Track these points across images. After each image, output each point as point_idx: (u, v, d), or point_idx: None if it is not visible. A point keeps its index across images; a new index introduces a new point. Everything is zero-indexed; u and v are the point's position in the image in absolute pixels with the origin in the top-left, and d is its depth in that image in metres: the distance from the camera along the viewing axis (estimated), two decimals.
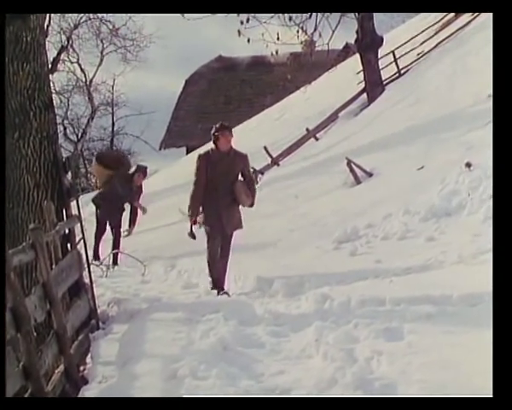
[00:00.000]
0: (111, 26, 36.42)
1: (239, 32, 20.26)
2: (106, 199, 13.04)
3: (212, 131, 8.82)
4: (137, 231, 14.73)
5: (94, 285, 7.75)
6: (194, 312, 6.85)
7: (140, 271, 11.40)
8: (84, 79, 39.87)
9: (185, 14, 20.28)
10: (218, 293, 8.31)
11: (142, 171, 13.60)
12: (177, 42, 62.31)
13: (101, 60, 39.15)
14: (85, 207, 13.05)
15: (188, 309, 6.98)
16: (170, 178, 26.78)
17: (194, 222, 8.82)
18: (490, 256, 7.27)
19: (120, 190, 12.93)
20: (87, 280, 7.58)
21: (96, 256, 12.50)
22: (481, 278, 6.21)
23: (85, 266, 7.53)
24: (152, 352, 5.61)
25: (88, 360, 6.23)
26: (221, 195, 8.62)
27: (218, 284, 8.52)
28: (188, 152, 38.66)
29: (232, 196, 8.69)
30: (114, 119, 42.86)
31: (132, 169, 13.82)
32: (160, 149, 41.58)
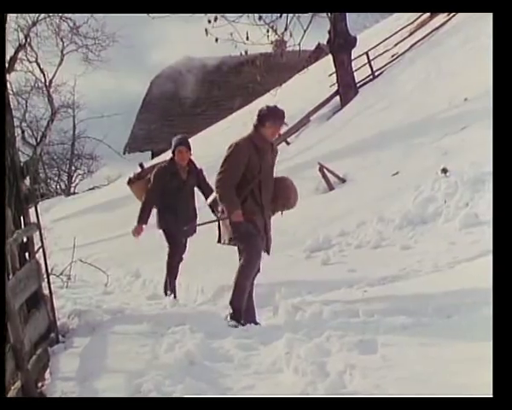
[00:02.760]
0: (71, 24, 36.20)
1: (206, 31, 20.27)
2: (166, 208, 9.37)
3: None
4: (100, 238, 14.64)
5: (54, 296, 7.67)
6: (160, 324, 6.81)
7: (102, 281, 11.33)
8: (43, 80, 39.66)
9: (149, 13, 20.23)
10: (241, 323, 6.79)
11: (180, 143, 9.27)
12: (142, 41, 62.17)
13: (62, 59, 38.94)
14: (45, 215, 12.95)
15: (152, 321, 6.94)
16: None
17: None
18: (467, 265, 7.33)
19: (175, 183, 9.24)
20: (46, 291, 7.50)
21: (172, 288, 9.28)
22: (457, 288, 6.25)
23: (44, 276, 7.45)
24: (114, 367, 5.57)
25: (47, 375, 6.16)
26: None
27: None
28: (153, 156, 38.49)
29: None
30: (75, 121, 42.66)
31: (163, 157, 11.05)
32: (123, 153, 41.41)
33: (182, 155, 9.12)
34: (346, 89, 22.73)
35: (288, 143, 22.06)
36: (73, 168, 44.83)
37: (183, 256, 9.39)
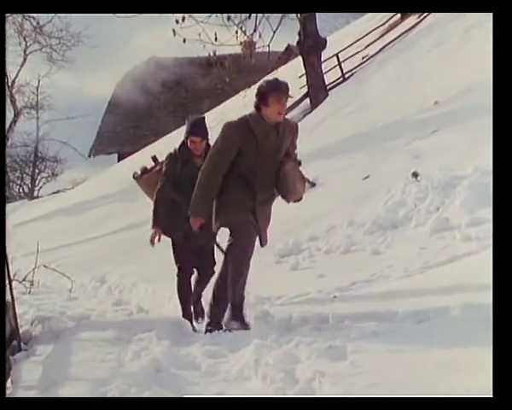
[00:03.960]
0: (35, 23, 35.99)
1: (174, 31, 20.24)
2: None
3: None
4: (65, 243, 14.56)
5: (16, 303, 7.61)
6: (125, 331, 6.78)
7: (67, 286, 11.26)
8: (5, 80, 39.29)
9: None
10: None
11: (192, 132, 7.72)
12: (108, 41, 61.99)
13: (25, 59, 38.75)
14: (7, 218, 12.84)
15: (118, 328, 6.91)
16: (100, 187, 26.55)
17: None
18: (437, 270, 7.38)
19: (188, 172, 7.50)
20: (8, 297, 7.44)
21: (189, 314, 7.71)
22: (428, 293, 6.29)
23: (6, 281, 7.39)
24: (78, 375, 5.53)
25: (8, 384, 6.10)
26: None
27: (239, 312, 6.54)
28: (119, 159, 38.33)
29: None
30: (39, 123, 42.40)
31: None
32: (89, 155, 41.24)
33: (195, 147, 7.60)
34: (316, 91, 22.83)
35: None
36: (37, 171, 44.55)
37: (214, 269, 7.48)
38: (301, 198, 6.67)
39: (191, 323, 7.29)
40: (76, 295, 10.77)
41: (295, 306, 7.04)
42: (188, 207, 6.77)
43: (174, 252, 7.62)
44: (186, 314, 7.47)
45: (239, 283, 6.46)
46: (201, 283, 7.70)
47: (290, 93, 6.44)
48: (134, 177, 8.47)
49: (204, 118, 7.78)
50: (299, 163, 6.79)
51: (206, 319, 6.73)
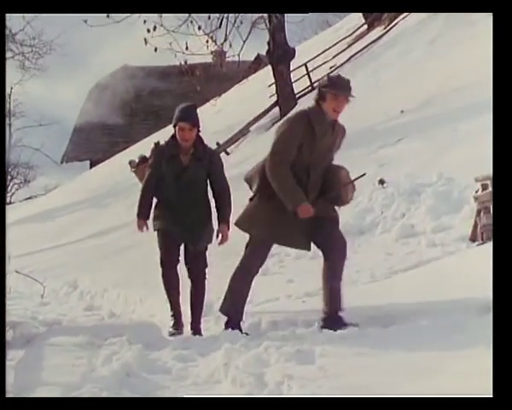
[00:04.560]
0: (7, 31, 35.69)
1: (145, 40, 20.18)
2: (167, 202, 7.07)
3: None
4: (37, 249, 14.45)
5: None
6: (97, 336, 6.72)
7: (39, 292, 11.17)
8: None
9: (88, 21, 20.18)
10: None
11: (181, 117, 6.82)
12: (80, 50, 61.73)
13: None
14: None
15: (89, 333, 6.85)
16: (73, 193, 26.39)
17: None
18: (403, 275, 7.42)
19: (172, 170, 6.92)
20: None
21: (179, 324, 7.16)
22: (394, 298, 6.32)
23: None
24: (50, 380, 5.47)
25: None
26: None
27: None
28: (91, 166, 38.13)
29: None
30: (12, 130, 42.03)
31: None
32: (61, 162, 40.97)
33: (184, 134, 6.74)
34: (285, 99, 22.87)
35: (227, 154, 22.08)
36: (9, 177, 44.21)
37: (206, 271, 7.19)
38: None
39: (178, 320, 6.98)
40: (48, 301, 10.68)
41: (265, 310, 7.03)
42: (172, 208, 6.72)
43: (159, 244, 7.08)
44: (173, 309, 7.05)
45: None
46: (195, 291, 7.09)
47: (351, 93, 6.01)
48: (130, 165, 8.23)
49: (195, 105, 6.99)
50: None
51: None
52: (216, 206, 7.02)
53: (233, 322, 6.24)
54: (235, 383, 4.81)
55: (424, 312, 5.55)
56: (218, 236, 6.98)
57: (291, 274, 8.77)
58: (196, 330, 6.92)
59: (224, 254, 10.38)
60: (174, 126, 6.82)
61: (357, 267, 8.24)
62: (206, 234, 6.99)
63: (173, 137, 6.86)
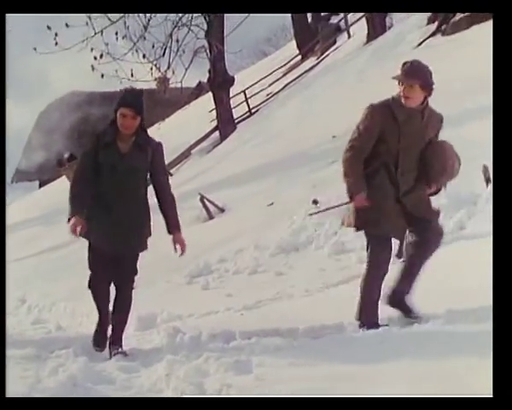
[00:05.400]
0: None
1: (92, 67, 20.15)
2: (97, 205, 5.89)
3: None
4: None
5: None
6: (44, 348, 6.60)
7: None
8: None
9: (37, 48, 20.03)
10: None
11: (123, 102, 5.82)
12: (28, 75, 60.86)
13: None
14: None
15: (37, 345, 6.72)
16: (22, 211, 25.90)
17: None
18: (334, 289, 7.46)
19: (109, 159, 5.83)
20: None
21: (103, 341, 6.26)
22: (325, 311, 6.34)
23: None
24: None
25: None
26: None
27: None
28: (40, 186, 37.58)
29: None
30: None
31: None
32: (11, 182, 40.31)
33: (125, 122, 5.71)
34: (225, 124, 22.95)
35: (170, 175, 21.98)
36: None
37: (135, 278, 6.09)
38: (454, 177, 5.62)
39: (101, 339, 6.18)
40: None
41: (205, 323, 6.99)
42: (106, 209, 5.65)
43: (88, 256, 5.99)
44: (100, 327, 6.23)
45: (365, 300, 5.57)
46: (119, 300, 6.07)
47: (419, 80, 5.45)
48: (59, 164, 7.48)
49: (142, 91, 6.12)
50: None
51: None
52: (162, 209, 5.97)
53: (372, 327, 5.50)
54: (176, 391, 4.77)
55: (354, 324, 5.58)
56: (175, 247, 6.05)
57: (230, 289, 8.76)
58: (115, 342, 6.11)
59: (169, 271, 10.32)
60: (115, 111, 5.77)
61: (292, 282, 8.27)
62: (142, 241, 5.95)
63: (113, 122, 5.84)
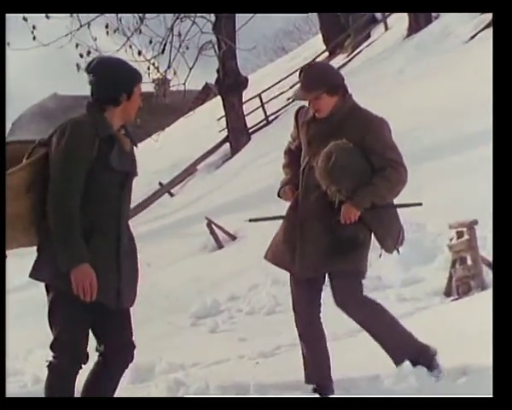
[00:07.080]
0: None
1: (78, 66, 20.07)
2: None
3: None
4: None
5: None
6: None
7: None
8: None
9: (10, 44, 20.13)
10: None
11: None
12: (13, 76, 61.55)
13: None
14: None
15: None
16: None
17: None
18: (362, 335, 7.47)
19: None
20: None
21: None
22: (357, 359, 6.36)
23: None
24: None
25: None
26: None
27: None
28: None
29: None
30: None
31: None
32: None
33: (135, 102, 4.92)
34: (237, 135, 23.00)
35: (171, 195, 22.07)
36: None
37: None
38: None
39: None
40: None
41: (213, 374, 7.01)
42: (109, 247, 4.79)
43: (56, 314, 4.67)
44: None
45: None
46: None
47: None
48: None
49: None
50: None
51: None
52: None
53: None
54: None
55: (393, 375, 5.60)
56: None
57: (243, 332, 8.78)
58: None
59: (169, 311, 10.36)
60: (129, 94, 4.84)
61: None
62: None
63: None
